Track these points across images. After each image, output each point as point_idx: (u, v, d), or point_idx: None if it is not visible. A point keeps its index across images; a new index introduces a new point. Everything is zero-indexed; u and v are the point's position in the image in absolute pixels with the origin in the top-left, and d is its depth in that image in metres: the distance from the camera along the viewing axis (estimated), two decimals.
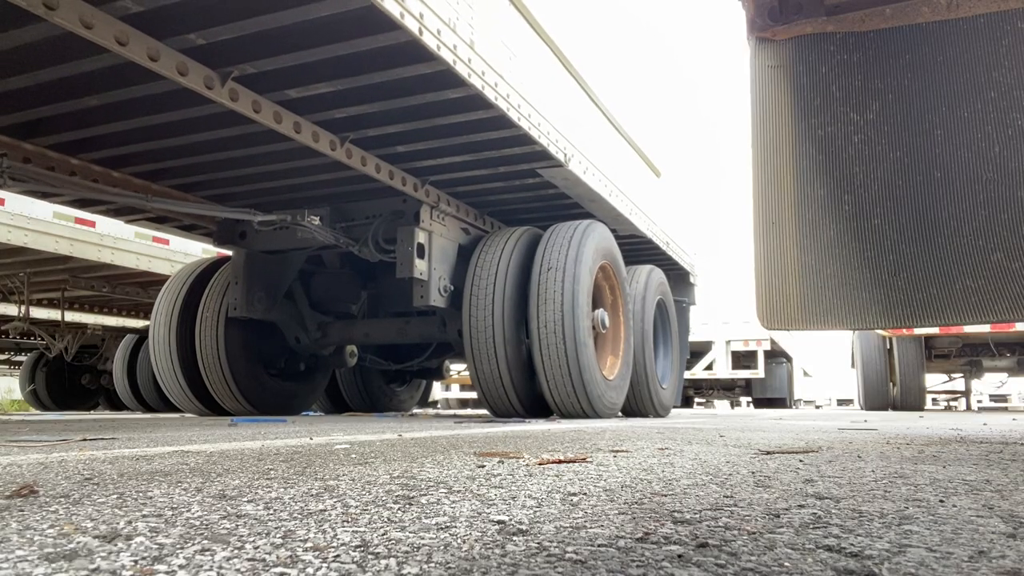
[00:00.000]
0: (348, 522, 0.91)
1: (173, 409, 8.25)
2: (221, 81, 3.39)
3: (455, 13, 3.44)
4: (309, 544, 0.78)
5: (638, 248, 6.93)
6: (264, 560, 0.71)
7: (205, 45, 3.22)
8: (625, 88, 6.11)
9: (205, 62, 3.34)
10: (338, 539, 0.81)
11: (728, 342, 14.13)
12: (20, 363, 11.93)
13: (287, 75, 3.54)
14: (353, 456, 1.81)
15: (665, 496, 1.16)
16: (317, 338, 5.92)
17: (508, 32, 4.02)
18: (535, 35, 4.37)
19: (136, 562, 0.69)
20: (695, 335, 9.48)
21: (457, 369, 8.91)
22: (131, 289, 8.14)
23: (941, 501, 1.14)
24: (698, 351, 13.69)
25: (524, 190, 5.29)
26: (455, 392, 16.51)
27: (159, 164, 4.61)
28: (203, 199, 5.24)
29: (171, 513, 0.95)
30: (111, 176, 4.72)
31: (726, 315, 13.80)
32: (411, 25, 3.11)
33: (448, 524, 0.90)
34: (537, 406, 4.94)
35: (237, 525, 0.88)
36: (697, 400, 18.36)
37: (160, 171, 4.74)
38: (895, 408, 11.08)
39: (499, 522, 0.92)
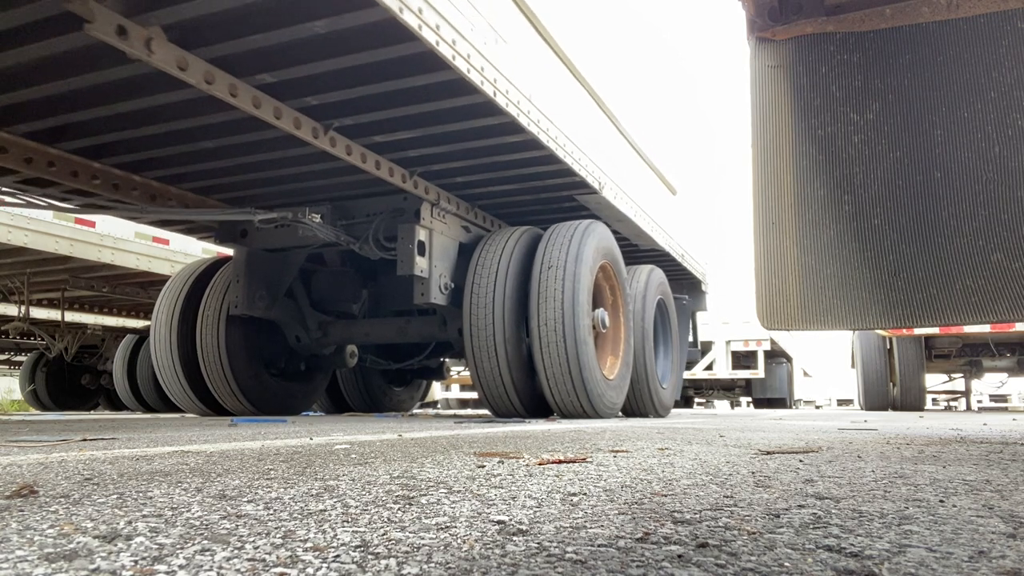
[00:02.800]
0: (348, 522, 0.91)
1: (173, 409, 8.25)
2: (324, 131, 4.03)
3: (522, 80, 4.07)
4: (309, 544, 0.78)
5: (656, 260, 7.33)
6: (264, 560, 0.71)
7: (318, 105, 3.82)
8: (644, 113, 6.50)
9: (312, 115, 3.93)
10: (338, 539, 0.81)
11: (728, 342, 14.14)
12: (20, 363, 11.93)
13: (375, 127, 4.16)
14: (353, 456, 1.81)
15: (665, 496, 1.16)
16: (318, 337, 5.92)
17: (554, 80, 4.58)
18: (573, 78, 4.89)
19: (136, 562, 0.69)
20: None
21: (457, 369, 8.92)
22: (131, 289, 8.14)
23: (941, 501, 1.14)
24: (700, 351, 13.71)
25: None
26: (455, 392, 16.50)
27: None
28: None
29: (171, 513, 0.95)
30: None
31: (726, 315, 13.81)
32: (487, 90, 3.68)
33: (448, 524, 0.90)
34: (537, 406, 4.94)
35: (237, 525, 0.88)
36: (697, 400, 18.36)
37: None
38: (895, 408, 11.08)
39: (499, 522, 0.92)
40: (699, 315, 9.03)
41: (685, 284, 8.30)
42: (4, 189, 4.37)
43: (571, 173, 4.84)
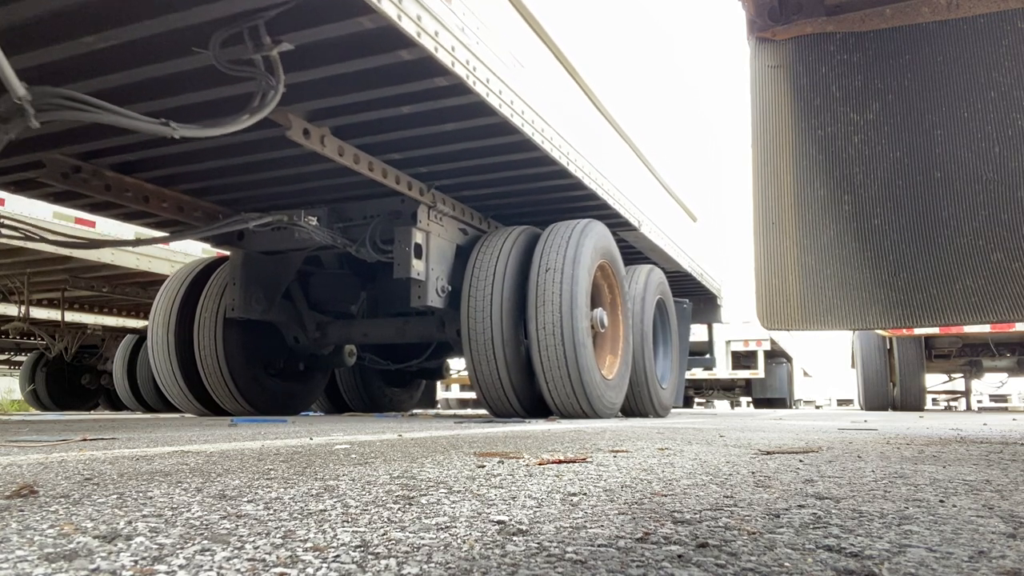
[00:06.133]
0: (348, 522, 0.91)
1: (173, 409, 8.25)
2: (427, 186, 4.88)
3: (587, 149, 4.95)
4: (309, 544, 0.78)
5: (678, 280, 8.14)
6: (264, 560, 0.71)
7: (425, 172, 4.77)
8: (669, 150, 7.27)
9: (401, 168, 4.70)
10: (338, 539, 0.81)
11: (728, 342, 14.13)
12: (20, 363, 11.93)
13: (455, 189, 5.12)
14: (353, 456, 1.81)
15: (665, 496, 1.16)
16: (316, 338, 5.91)
17: (599, 133, 5.31)
18: (615, 132, 5.64)
19: (136, 562, 0.69)
20: (694, 335, 9.84)
21: (457, 369, 8.94)
22: (131, 289, 8.14)
23: (941, 501, 1.14)
24: (698, 351, 13.72)
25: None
26: (455, 392, 16.50)
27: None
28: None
29: (171, 513, 0.95)
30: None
31: (726, 315, 13.80)
32: (563, 161, 4.59)
33: (448, 524, 0.90)
34: (537, 406, 4.93)
35: (237, 525, 0.88)
36: (697, 400, 18.36)
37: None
38: (895, 408, 11.07)
39: (499, 522, 0.92)
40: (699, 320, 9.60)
41: (702, 299, 9.15)
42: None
43: (619, 215, 5.73)
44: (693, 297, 8.90)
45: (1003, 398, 22.98)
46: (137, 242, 4.97)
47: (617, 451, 2.04)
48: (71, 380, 10.87)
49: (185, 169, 4.66)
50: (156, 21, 2.88)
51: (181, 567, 0.68)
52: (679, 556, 0.74)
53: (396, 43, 3.11)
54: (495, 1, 3.77)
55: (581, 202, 5.49)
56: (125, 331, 9.48)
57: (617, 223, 5.93)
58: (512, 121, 3.90)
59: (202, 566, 0.68)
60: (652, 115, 6.72)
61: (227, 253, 5.71)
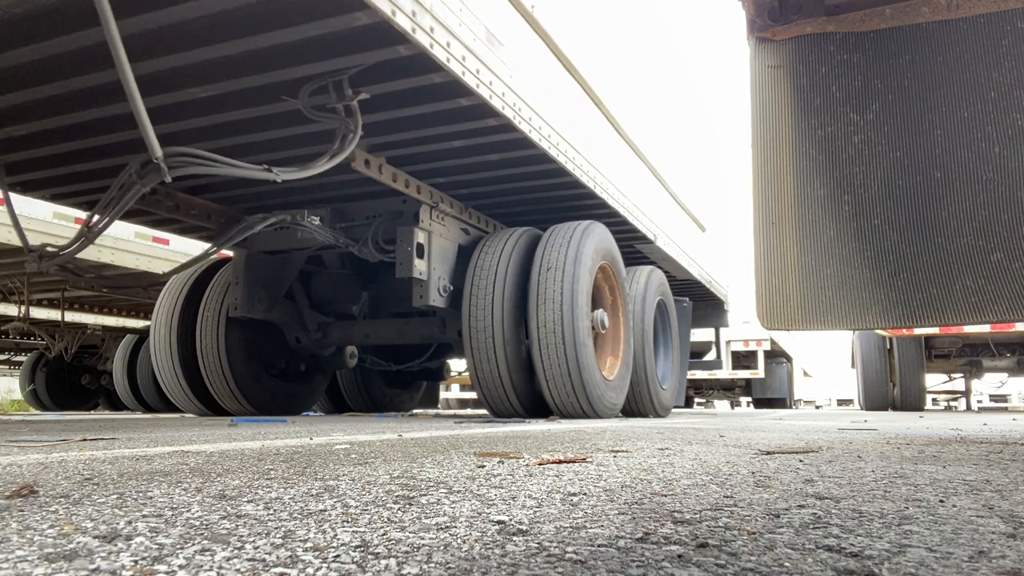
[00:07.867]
0: (348, 522, 0.91)
1: (173, 409, 8.25)
2: (464, 206, 5.37)
3: (602, 171, 5.28)
4: (309, 544, 0.78)
5: (688, 288, 8.55)
6: (264, 560, 0.71)
7: (466, 193, 5.24)
8: (681, 166, 7.71)
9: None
10: (338, 539, 0.81)
11: (728, 342, 14.11)
12: (20, 363, 11.93)
13: (488, 208, 5.63)
14: (353, 456, 1.81)
15: (665, 496, 1.16)
16: (317, 338, 5.91)
17: (620, 155, 5.72)
18: (633, 153, 6.03)
19: (136, 562, 0.69)
20: (701, 336, 9.92)
21: (458, 370, 8.95)
22: (131, 289, 8.14)
23: (941, 501, 1.14)
24: (698, 351, 13.72)
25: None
26: (455, 392, 16.50)
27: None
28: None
29: (171, 513, 0.95)
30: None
31: (729, 317, 13.80)
32: (589, 183, 5.00)
33: (448, 524, 0.90)
34: (537, 406, 4.94)
35: (237, 525, 0.88)
36: (697, 400, 18.36)
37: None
38: (895, 408, 11.07)
39: (499, 522, 0.92)
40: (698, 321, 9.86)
41: (709, 305, 9.49)
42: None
43: (637, 230, 6.11)
44: (701, 303, 9.16)
45: (1003, 398, 22.99)
46: (190, 262, 5.08)
47: (617, 451, 2.04)
48: (71, 380, 10.87)
49: (249, 191, 5.09)
50: (258, 77, 3.35)
51: (181, 567, 0.68)
52: (679, 556, 0.74)
53: (457, 93, 3.60)
54: (534, 44, 4.25)
55: (602, 219, 5.68)
56: (125, 331, 9.48)
57: (634, 236, 6.32)
58: (549, 153, 4.42)
59: (202, 566, 0.68)
60: (666, 133, 7.13)
61: (229, 254, 5.71)
